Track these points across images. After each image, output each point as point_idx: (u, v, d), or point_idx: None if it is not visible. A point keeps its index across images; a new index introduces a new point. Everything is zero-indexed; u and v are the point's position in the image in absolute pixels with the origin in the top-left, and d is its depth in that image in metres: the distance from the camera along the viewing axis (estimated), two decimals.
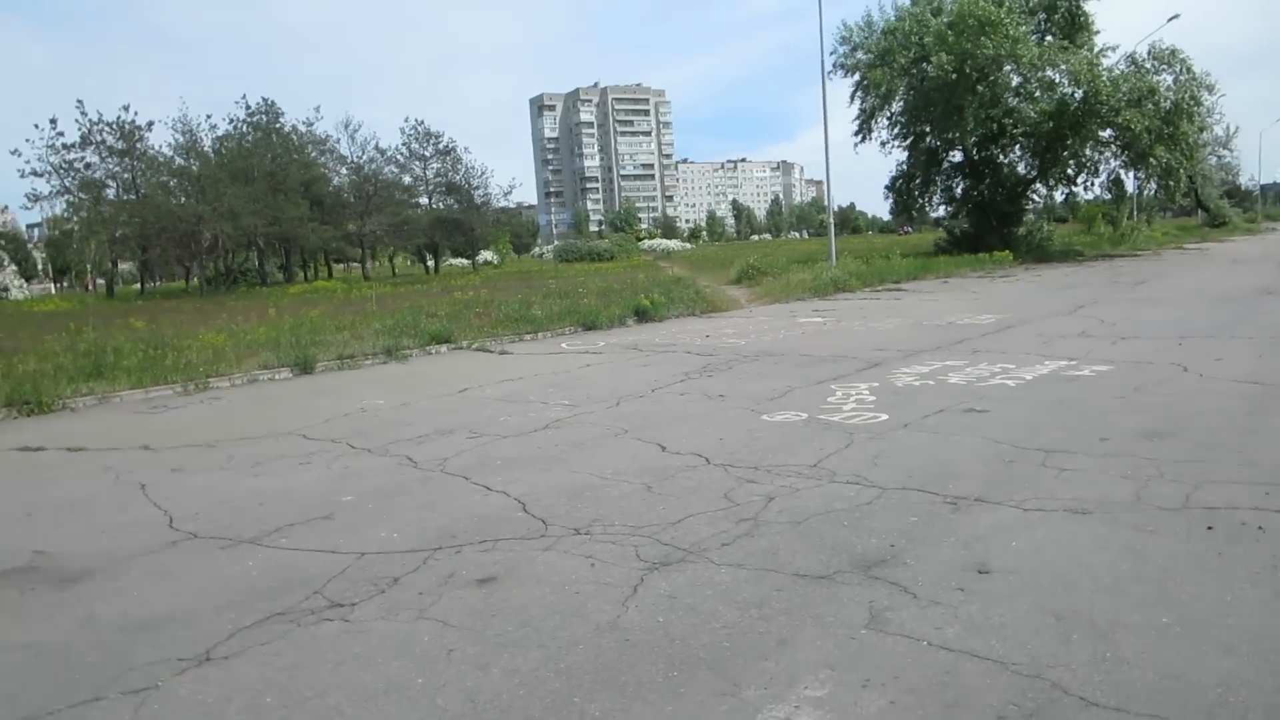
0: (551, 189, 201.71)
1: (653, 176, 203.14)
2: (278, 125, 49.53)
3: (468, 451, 7.63)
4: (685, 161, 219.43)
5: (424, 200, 61.39)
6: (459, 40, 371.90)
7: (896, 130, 38.54)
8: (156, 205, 40.36)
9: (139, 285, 52.99)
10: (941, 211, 42.56)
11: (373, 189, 52.33)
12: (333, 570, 4.90)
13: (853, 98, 38.45)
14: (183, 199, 42.78)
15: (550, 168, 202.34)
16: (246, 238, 43.65)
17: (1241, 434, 6.64)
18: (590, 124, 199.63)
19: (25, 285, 63.03)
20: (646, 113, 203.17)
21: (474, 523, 5.60)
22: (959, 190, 39.95)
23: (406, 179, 59.76)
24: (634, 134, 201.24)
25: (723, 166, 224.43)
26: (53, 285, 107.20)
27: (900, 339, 13.59)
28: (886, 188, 40.37)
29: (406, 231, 53.65)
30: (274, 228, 43.02)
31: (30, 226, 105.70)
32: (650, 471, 6.59)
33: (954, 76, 33.62)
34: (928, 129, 37.92)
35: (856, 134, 38.87)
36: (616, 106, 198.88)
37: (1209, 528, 4.72)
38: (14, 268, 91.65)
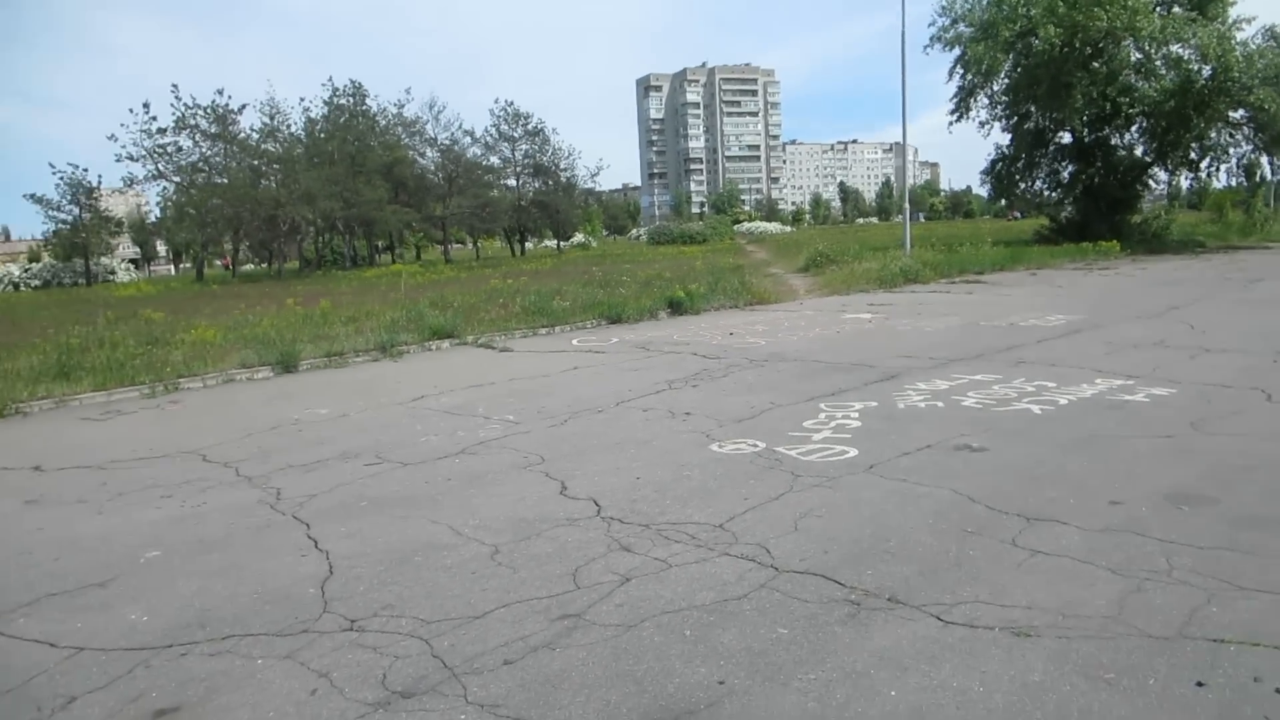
0: (655, 170, 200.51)
1: (758, 158, 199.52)
2: (364, 108, 49.73)
3: (347, 485, 6.49)
4: (793, 143, 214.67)
5: (512, 182, 61.08)
6: (569, 19, 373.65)
7: (998, 109, 35.59)
8: (236, 189, 40.92)
9: (230, 269, 54.24)
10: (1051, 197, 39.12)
11: (455, 170, 52.06)
12: (19, 677, 3.80)
13: (951, 74, 35.67)
14: (266, 183, 43.31)
15: (655, 149, 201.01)
16: (326, 221, 43.89)
17: None
18: (696, 105, 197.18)
19: (134, 269, 65.50)
20: (754, 93, 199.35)
21: (248, 602, 4.43)
22: (1066, 174, 36.68)
23: (495, 160, 59.56)
24: (741, 114, 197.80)
25: (832, 148, 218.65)
26: (172, 268, 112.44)
27: (942, 343, 11.81)
28: (983, 171, 37.49)
29: (489, 214, 53.27)
30: (352, 210, 43.12)
31: None
32: (518, 526, 5.29)
33: (1063, 51, 30.64)
34: (1032, 108, 34.84)
35: (953, 112, 36.06)
36: (724, 87, 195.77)
37: (1199, 684, 3.11)
38: (130, 250, 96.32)
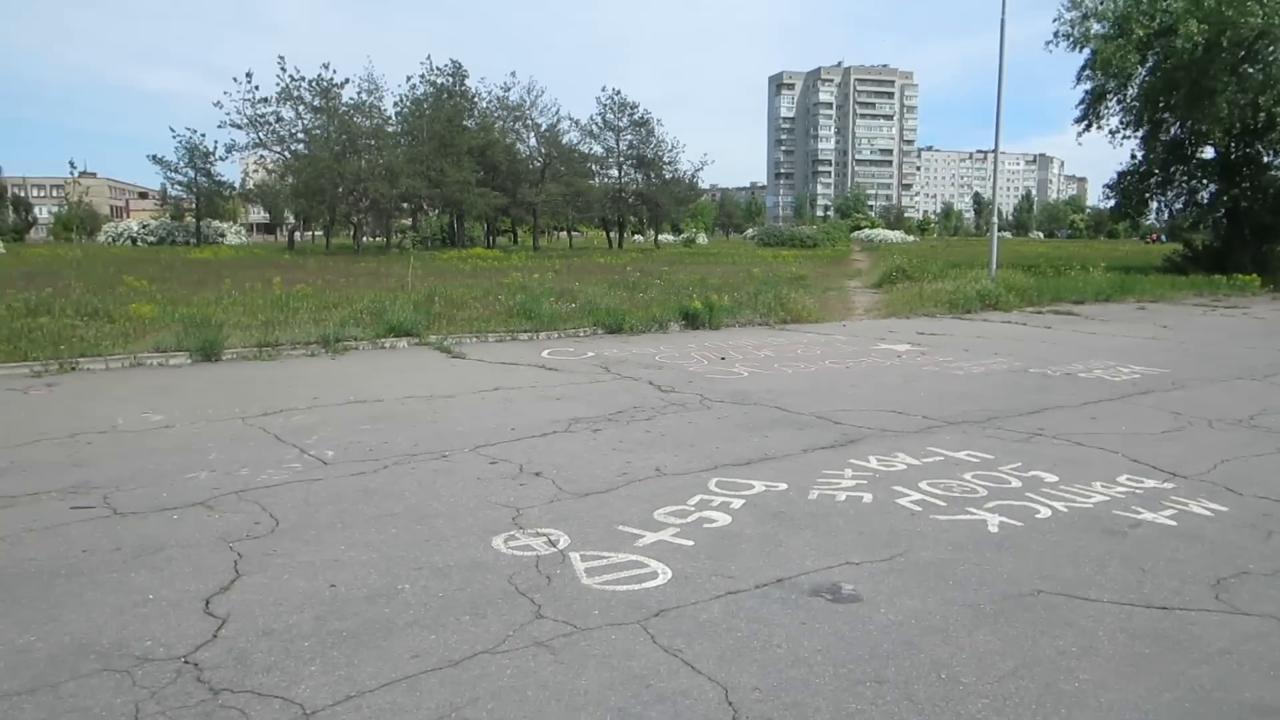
0: (782, 170, 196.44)
1: (890, 163, 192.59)
2: (461, 88, 48.92)
3: None
4: (929, 149, 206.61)
5: (614, 172, 59.65)
6: (705, 13, 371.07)
7: (1130, 117, 31.57)
8: (319, 161, 40.62)
9: (325, 239, 54.65)
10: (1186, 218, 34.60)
11: (548, 156, 50.75)
12: None
13: (1080, 76, 31.88)
14: (357, 157, 42.96)
15: (783, 148, 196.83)
16: (406, 199, 43.22)
17: None
18: (829, 105, 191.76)
19: (244, 233, 67.13)
20: (890, 95, 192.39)
21: None
22: (1206, 194, 32.34)
23: (598, 149, 58.24)
24: (874, 117, 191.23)
25: (970, 156, 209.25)
26: (297, 235, 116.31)
27: (960, 395, 9.35)
28: (1107, 186, 33.49)
29: (582, 203, 51.79)
30: (436, 190, 42.30)
31: None
32: (32, 670, 3.44)
33: (1207, 52, 26.69)
34: (1169, 116, 30.77)
35: (1079, 120, 32.23)
36: (858, 88, 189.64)
37: None
38: (260, 216, 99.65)
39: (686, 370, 10.80)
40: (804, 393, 9.34)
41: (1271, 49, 28.03)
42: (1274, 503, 5.62)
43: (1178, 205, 33.21)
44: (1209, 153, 31.87)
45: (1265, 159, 31.06)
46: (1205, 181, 32.38)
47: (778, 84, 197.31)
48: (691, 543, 4.79)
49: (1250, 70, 28.39)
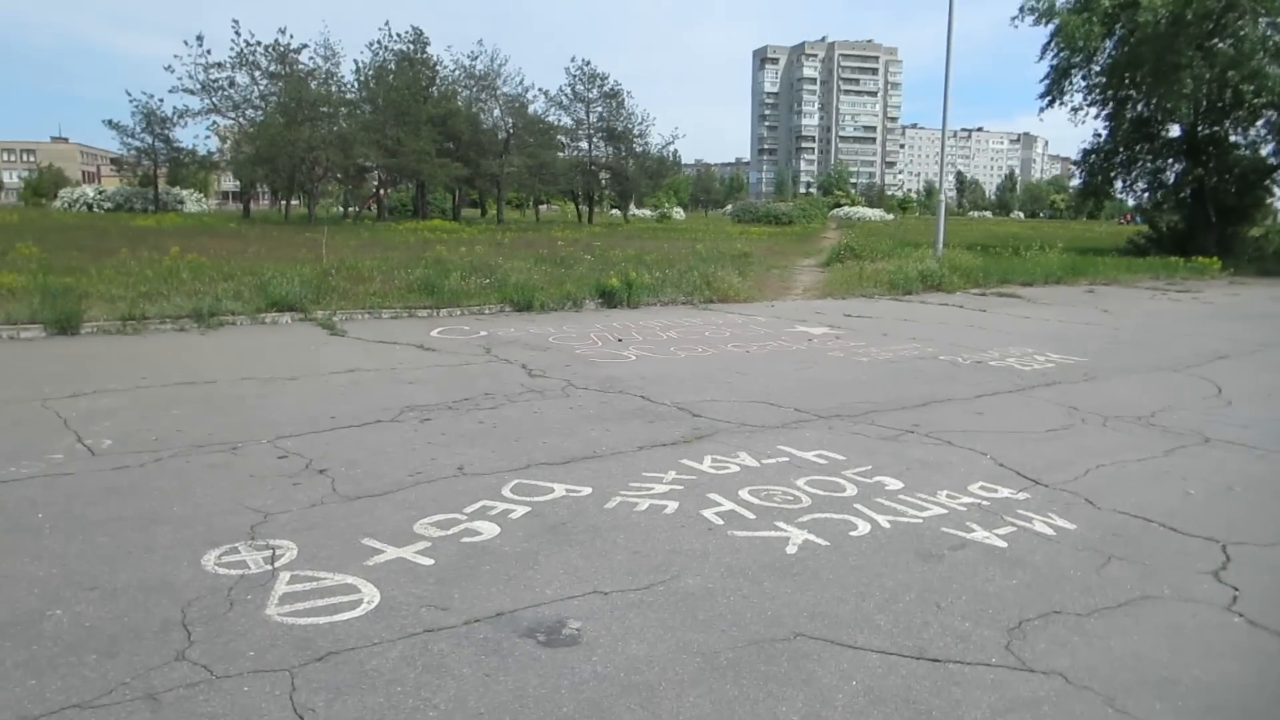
0: (766, 146, 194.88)
1: (873, 140, 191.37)
2: (423, 56, 47.65)
3: None
4: (914, 126, 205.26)
5: (584, 145, 58.63)
6: None
7: (1095, 94, 30.93)
8: (270, 129, 39.41)
9: (283, 209, 53.30)
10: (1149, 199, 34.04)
11: (511, 127, 49.62)
12: None
13: (1044, 50, 31.19)
14: (310, 126, 41.73)
15: (766, 124, 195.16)
16: (364, 169, 42.08)
17: None
18: (813, 80, 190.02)
19: (204, 200, 65.40)
20: (875, 71, 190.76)
21: None
22: (1171, 174, 31.82)
23: (567, 121, 57.20)
24: (858, 93, 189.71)
25: (955, 135, 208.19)
26: (267, 202, 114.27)
27: (848, 384, 8.73)
28: (1074, 162, 32.87)
29: (547, 176, 50.74)
30: (393, 160, 41.21)
31: None
32: None
33: (1172, 25, 26.00)
34: (1134, 93, 30.16)
35: (1043, 95, 31.60)
36: (843, 63, 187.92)
37: None
38: (231, 184, 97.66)
39: (572, 352, 10.12)
40: (682, 380, 8.68)
41: (1240, 22, 27.36)
42: (1130, 518, 5.00)
43: (1141, 185, 32.69)
44: (1175, 131, 31.35)
45: (1232, 138, 30.57)
46: (1170, 161, 31.88)
47: (761, 58, 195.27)
48: (431, 561, 4.13)
49: (1219, 45, 27.73)
